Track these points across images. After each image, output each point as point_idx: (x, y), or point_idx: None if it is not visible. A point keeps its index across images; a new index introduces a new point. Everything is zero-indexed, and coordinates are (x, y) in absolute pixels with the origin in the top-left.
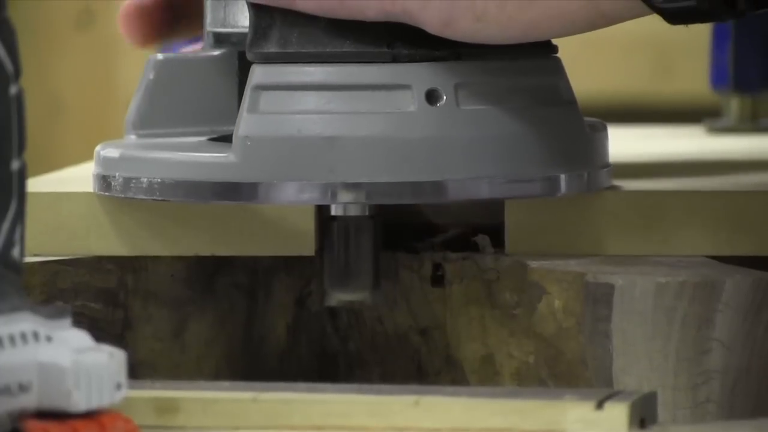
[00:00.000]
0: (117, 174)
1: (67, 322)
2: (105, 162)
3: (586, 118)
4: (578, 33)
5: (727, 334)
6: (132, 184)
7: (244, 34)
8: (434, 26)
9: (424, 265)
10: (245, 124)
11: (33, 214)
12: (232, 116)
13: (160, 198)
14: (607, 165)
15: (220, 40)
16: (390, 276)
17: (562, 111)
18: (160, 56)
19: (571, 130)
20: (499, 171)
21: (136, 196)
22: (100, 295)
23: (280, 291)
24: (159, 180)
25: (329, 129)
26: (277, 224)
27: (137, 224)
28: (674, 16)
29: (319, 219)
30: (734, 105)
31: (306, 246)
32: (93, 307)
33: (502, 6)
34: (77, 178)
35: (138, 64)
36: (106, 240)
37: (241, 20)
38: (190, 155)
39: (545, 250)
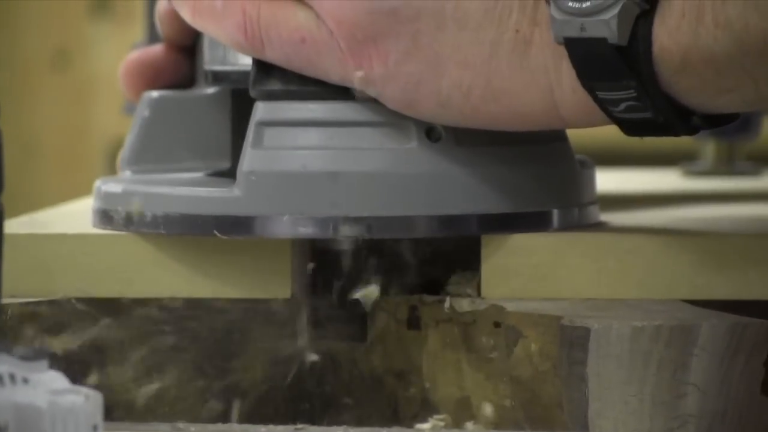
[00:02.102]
0: (119, 208)
1: (44, 363)
2: (106, 197)
3: (576, 155)
4: (536, 129)
5: (703, 378)
6: (134, 219)
7: (243, 72)
8: (395, 104)
9: (400, 308)
10: (250, 160)
11: (10, 255)
12: (225, 153)
13: (164, 232)
14: (595, 201)
15: (218, 78)
16: (366, 319)
17: (556, 148)
18: (155, 94)
19: (564, 166)
20: (495, 207)
21: (138, 230)
22: (77, 337)
23: (256, 332)
24: (163, 214)
25: (332, 164)
26: (253, 267)
27: (113, 266)
28: (631, 128)
29: (295, 261)
30: (711, 149)
31: (282, 289)
32: (70, 349)
33: (466, 96)
34: (54, 220)
35: (113, 105)
36: (83, 281)
37: (241, 58)
38: (194, 189)
39: (521, 293)
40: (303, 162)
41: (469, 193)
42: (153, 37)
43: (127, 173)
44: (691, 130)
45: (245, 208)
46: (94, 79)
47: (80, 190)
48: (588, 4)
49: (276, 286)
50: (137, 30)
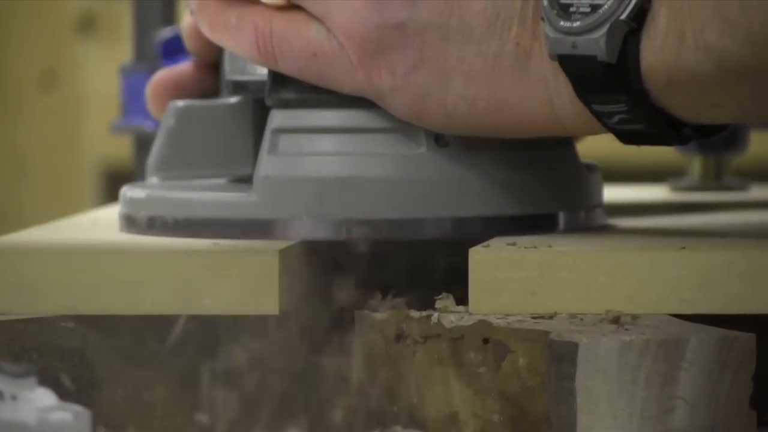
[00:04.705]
0: (142, 213)
1: (33, 381)
2: (131, 202)
3: (583, 160)
4: (538, 136)
5: (692, 392)
6: (157, 223)
7: (261, 82)
8: (403, 114)
9: (388, 324)
10: (265, 165)
11: None
12: (248, 160)
13: (184, 236)
14: (602, 204)
15: (238, 87)
16: (353, 335)
17: (561, 152)
18: (180, 103)
19: (570, 170)
20: (503, 209)
21: (160, 234)
22: (66, 354)
23: (245, 349)
24: (183, 218)
25: (344, 170)
26: (241, 283)
27: (102, 283)
28: (626, 138)
29: (283, 277)
30: (698, 164)
31: (270, 305)
32: (58, 366)
33: (471, 107)
34: (41, 237)
35: (101, 124)
36: (71, 299)
37: (259, 68)
38: (214, 194)
39: (509, 308)
40: (317, 167)
41: (477, 195)
42: (141, 56)
43: (154, 179)
44: (683, 140)
45: (261, 212)
46: (82, 98)
47: (69, 209)
48: (579, 23)
49: (264, 302)
50: (125, 49)
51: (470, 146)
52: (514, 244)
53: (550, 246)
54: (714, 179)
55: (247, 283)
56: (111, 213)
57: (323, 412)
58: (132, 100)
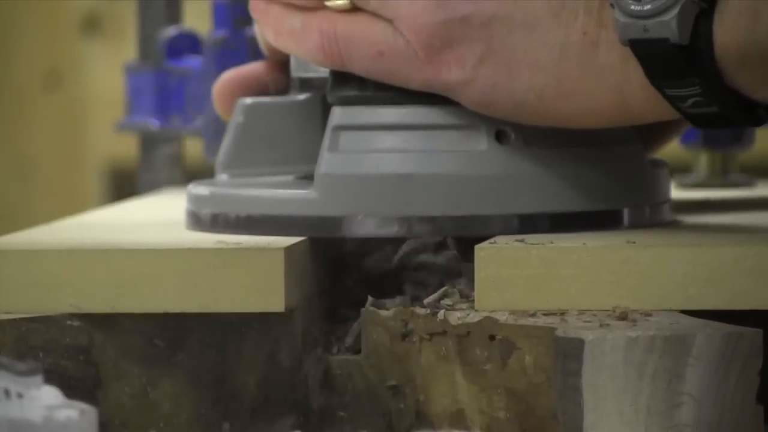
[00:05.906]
0: (206, 210)
1: (39, 379)
2: (195, 199)
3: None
4: (607, 126)
5: (698, 388)
6: (220, 220)
7: (325, 79)
8: (473, 105)
9: (394, 321)
10: (326, 162)
11: (3, 271)
12: (317, 156)
13: (246, 233)
14: (668, 200)
15: (303, 84)
16: (359, 332)
17: (624, 149)
18: (248, 101)
19: (633, 166)
20: (565, 206)
21: (223, 231)
22: (72, 352)
23: (250, 346)
24: (246, 215)
25: (404, 166)
26: (247, 281)
27: (107, 281)
28: (699, 120)
29: (288, 274)
30: (704, 161)
31: (276, 302)
32: (64, 365)
33: (540, 97)
34: (47, 236)
35: (106, 124)
36: (77, 297)
37: None
38: (275, 191)
39: (515, 305)
40: (377, 164)
41: (539, 192)
42: (145, 55)
43: (223, 176)
44: (757, 122)
45: (322, 209)
46: (86, 98)
47: (75, 208)
48: (649, 6)
49: (270, 299)
50: (129, 49)
51: (531, 143)
52: (521, 240)
53: (553, 243)
54: (720, 175)
55: (252, 280)
56: (116, 212)
57: (330, 410)
58: (137, 99)
